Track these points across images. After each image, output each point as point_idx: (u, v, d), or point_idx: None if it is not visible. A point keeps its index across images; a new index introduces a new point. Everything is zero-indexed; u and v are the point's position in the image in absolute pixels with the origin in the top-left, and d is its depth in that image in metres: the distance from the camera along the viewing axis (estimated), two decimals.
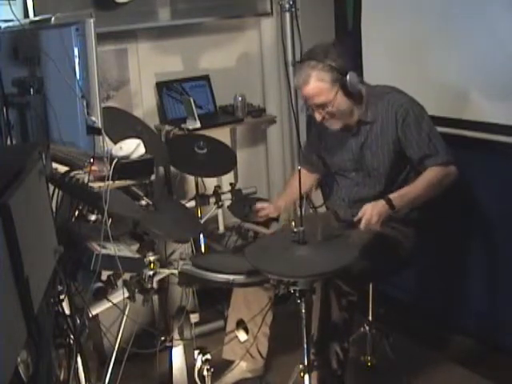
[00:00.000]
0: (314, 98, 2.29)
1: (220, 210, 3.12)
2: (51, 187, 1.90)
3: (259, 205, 2.60)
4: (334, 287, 2.22)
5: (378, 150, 2.38)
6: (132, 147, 1.95)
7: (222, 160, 3.03)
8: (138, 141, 1.98)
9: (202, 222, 3.02)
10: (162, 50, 3.41)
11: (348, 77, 2.26)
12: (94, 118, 1.79)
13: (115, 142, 1.99)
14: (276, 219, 2.68)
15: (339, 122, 2.37)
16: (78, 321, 1.96)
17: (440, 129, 2.43)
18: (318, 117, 2.34)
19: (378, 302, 2.69)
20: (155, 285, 2.27)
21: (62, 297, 1.83)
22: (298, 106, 3.47)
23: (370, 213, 2.18)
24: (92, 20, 1.75)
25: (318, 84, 2.26)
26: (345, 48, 2.35)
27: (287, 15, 3.37)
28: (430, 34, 2.81)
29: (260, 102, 3.65)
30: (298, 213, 2.14)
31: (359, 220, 2.19)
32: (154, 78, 3.41)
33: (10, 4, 1.94)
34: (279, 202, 2.64)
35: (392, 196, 2.24)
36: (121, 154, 1.92)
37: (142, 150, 1.97)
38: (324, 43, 2.34)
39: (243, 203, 2.68)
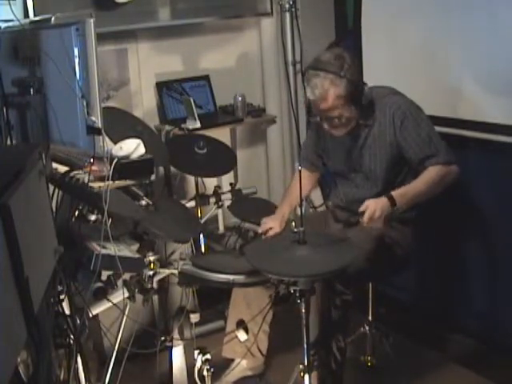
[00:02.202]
0: (330, 112, 2.27)
1: (220, 210, 3.12)
2: (51, 187, 1.90)
3: (264, 225, 2.53)
4: (329, 286, 2.22)
5: (375, 153, 2.37)
6: (132, 147, 1.95)
7: (222, 160, 3.03)
8: (138, 141, 1.98)
9: (202, 222, 3.02)
10: (162, 49, 3.41)
11: (364, 90, 2.25)
12: (93, 118, 1.79)
13: (115, 142, 1.99)
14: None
15: (347, 128, 2.36)
16: (78, 321, 1.96)
17: (440, 129, 2.43)
18: (327, 126, 2.34)
19: (378, 302, 2.69)
20: (155, 285, 2.27)
21: (62, 297, 1.83)
22: (298, 106, 3.48)
23: (374, 207, 2.17)
24: (92, 20, 1.75)
25: (335, 100, 2.23)
26: (350, 51, 2.33)
27: (287, 15, 3.37)
28: (431, 33, 2.81)
29: (260, 102, 3.65)
30: (299, 213, 2.13)
31: (362, 214, 2.18)
32: (154, 78, 3.41)
33: (10, 4, 1.94)
34: (283, 210, 2.60)
35: (394, 193, 2.23)
36: (121, 153, 1.92)
37: (142, 149, 1.97)
38: (336, 51, 2.29)
39: (247, 233, 2.66)
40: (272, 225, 2.51)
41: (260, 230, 2.52)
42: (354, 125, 2.37)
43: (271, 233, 2.50)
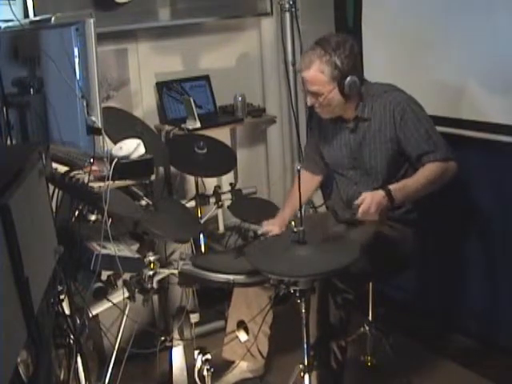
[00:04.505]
0: (310, 84, 2.32)
1: (220, 210, 3.12)
2: (51, 187, 1.90)
3: (264, 228, 2.53)
4: (329, 285, 2.22)
5: (375, 148, 2.38)
6: (132, 147, 1.95)
7: (222, 160, 3.03)
8: (138, 141, 1.98)
9: (202, 222, 3.02)
10: (162, 50, 3.41)
11: (347, 80, 2.27)
12: (94, 118, 1.79)
13: (115, 142, 1.99)
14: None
15: (329, 113, 2.40)
16: (78, 321, 1.96)
17: (440, 128, 2.43)
18: (309, 101, 2.38)
19: (377, 302, 2.69)
20: (155, 285, 2.27)
21: (62, 297, 1.83)
22: (298, 106, 3.48)
23: (369, 201, 2.16)
24: (92, 20, 1.75)
25: (316, 74, 2.28)
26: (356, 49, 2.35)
27: (287, 15, 3.37)
28: (430, 33, 2.80)
29: (260, 102, 3.65)
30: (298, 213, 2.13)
31: (358, 207, 2.18)
32: (154, 78, 3.41)
33: (9, 4, 1.94)
34: (284, 214, 2.60)
35: (392, 187, 2.22)
36: (121, 153, 1.92)
37: (141, 149, 1.97)
38: (341, 37, 2.33)
39: (247, 233, 2.66)
40: (271, 228, 2.51)
41: (260, 232, 2.52)
42: (350, 117, 2.39)
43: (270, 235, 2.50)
